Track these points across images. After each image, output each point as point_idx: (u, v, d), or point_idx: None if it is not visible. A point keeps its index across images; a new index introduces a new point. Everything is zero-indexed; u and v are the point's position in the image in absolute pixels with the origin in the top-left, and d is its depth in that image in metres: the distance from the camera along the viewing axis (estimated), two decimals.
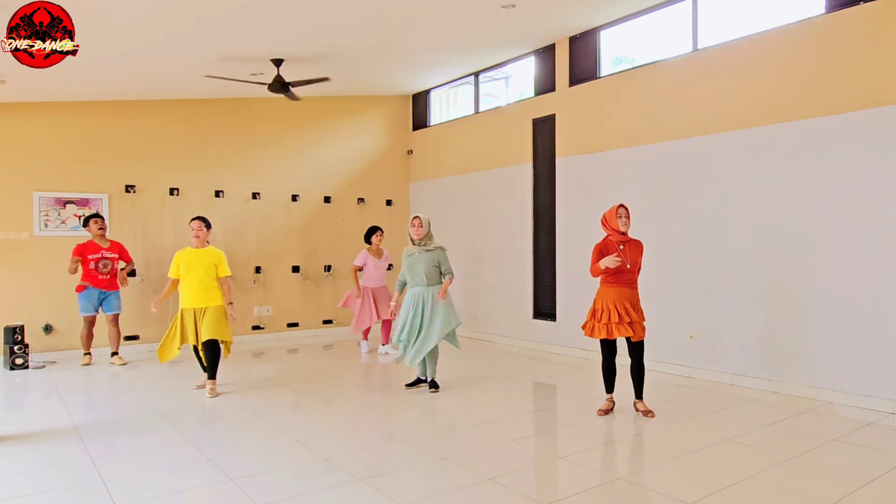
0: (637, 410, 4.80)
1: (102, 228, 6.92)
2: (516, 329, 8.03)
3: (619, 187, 6.70)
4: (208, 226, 5.57)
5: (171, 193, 8.04)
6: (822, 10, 5.22)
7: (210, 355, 5.42)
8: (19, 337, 6.72)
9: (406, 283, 5.58)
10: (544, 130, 7.67)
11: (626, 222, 4.61)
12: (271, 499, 3.23)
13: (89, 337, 6.98)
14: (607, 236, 4.70)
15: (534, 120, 7.79)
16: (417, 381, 5.67)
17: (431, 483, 3.50)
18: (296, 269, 8.94)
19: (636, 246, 4.74)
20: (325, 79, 7.22)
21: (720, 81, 5.86)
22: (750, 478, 3.48)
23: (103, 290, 6.86)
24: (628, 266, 4.58)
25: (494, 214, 8.37)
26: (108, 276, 6.88)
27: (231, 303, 5.56)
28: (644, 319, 4.74)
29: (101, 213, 7.16)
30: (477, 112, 8.78)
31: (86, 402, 5.43)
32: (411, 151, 9.98)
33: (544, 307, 7.70)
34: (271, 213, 8.78)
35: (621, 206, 4.65)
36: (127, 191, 7.77)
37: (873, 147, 4.87)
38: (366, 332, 7.62)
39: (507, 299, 8.17)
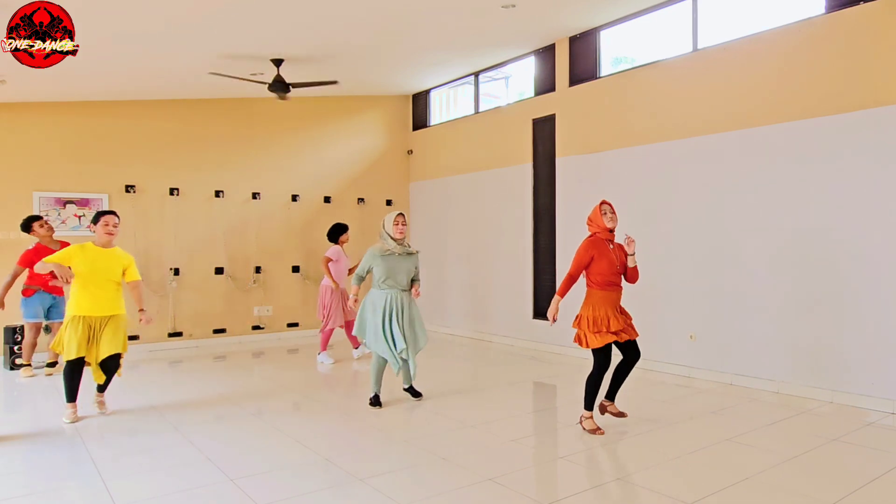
0: (606, 413, 4.57)
1: (50, 231, 6.43)
2: (516, 329, 8.03)
3: (619, 187, 6.70)
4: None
5: (171, 193, 8.04)
6: (822, 10, 5.22)
7: (112, 368, 4.78)
8: (19, 337, 6.71)
9: (363, 279, 5.08)
10: (544, 130, 7.68)
11: (612, 217, 4.34)
12: (271, 499, 3.23)
13: (33, 346, 6.44)
14: (595, 234, 4.39)
15: (534, 120, 7.79)
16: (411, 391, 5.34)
17: (431, 483, 3.50)
18: (296, 269, 8.94)
19: (621, 248, 4.44)
20: (333, 82, 7.22)
21: (720, 81, 5.87)
22: (750, 478, 3.48)
23: (56, 295, 6.46)
24: (618, 267, 4.33)
25: (494, 214, 8.37)
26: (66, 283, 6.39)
27: (142, 309, 4.88)
28: (631, 318, 4.48)
29: (40, 215, 6.60)
30: (477, 112, 8.78)
31: (86, 403, 5.41)
32: (411, 151, 9.98)
33: (544, 307, 7.69)
34: (271, 213, 8.78)
35: (604, 202, 4.38)
36: (127, 191, 7.77)
37: (873, 147, 4.87)
38: (326, 338, 7.00)
39: (507, 299, 8.17)
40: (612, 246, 4.37)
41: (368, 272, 5.09)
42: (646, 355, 6.45)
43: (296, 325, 8.94)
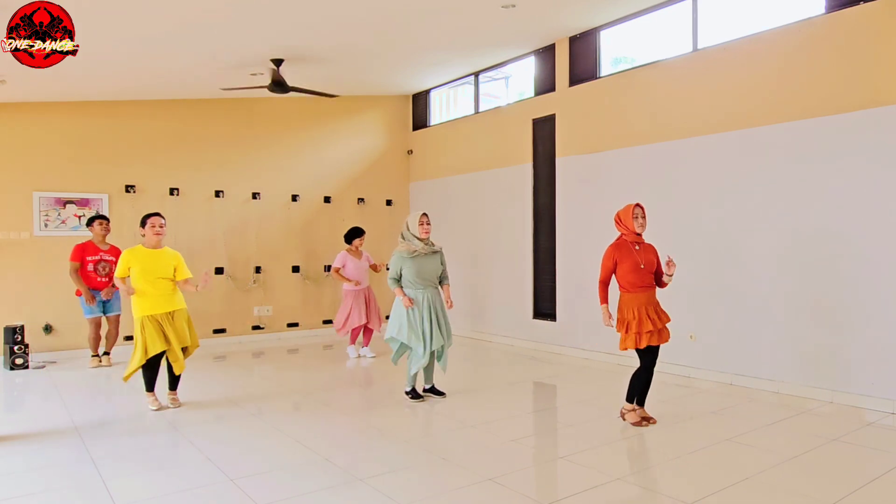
0: (624, 419, 4.61)
1: (107, 231, 6.86)
2: (516, 329, 8.03)
3: (619, 187, 6.71)
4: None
5: (171, 193, 8.04)
6: (822, 11, 5.22)
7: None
8: (19, 337, 6.72)
9: (399, 281, 5.17)
10: (544, 130, 7.67)
11: (642, 223, 4.39)
12: (271, 499, 3.23)
13: (97, 339, 6.84)
14: (621, 236, 4.46)
15: (534, 120, 7.79)
16: (433, 390, 5.42)
17: (431, 483, 3.50)
18: (296, 269, 8.94)
19: (650, 248, 4.51)
20: (333, 95, 7.30)
21: (720, 81, 5.86)
22: (750, 478, 3.48)
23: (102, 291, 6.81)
24: (642, 266, 4.35)
25: (494, 214, 8.36)
26: (107, 279, 6.81)
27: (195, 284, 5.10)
28: (669, 320, 4.50)
29: (105, 215, 7.08)
30: (477, 112, 8.78)
31: (86, 402, 5.42)
32: (411, 151, 9.98)
33: (544, 307, 7.70)
34: (271, 213, 8.78)
35: (638, 205, 4.41)
36: (127, 191, 7.77)
37: (873, 147, 4.87)
38: (354, 334, 7.31)
39: (507, 299, 8.17)
40: (638, 248, 4.41)
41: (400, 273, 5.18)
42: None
43: (296, 325, 8.94)
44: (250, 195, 8.63)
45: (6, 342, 6.71)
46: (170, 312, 4.93)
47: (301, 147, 9.07)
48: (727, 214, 5.78)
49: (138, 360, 4.84)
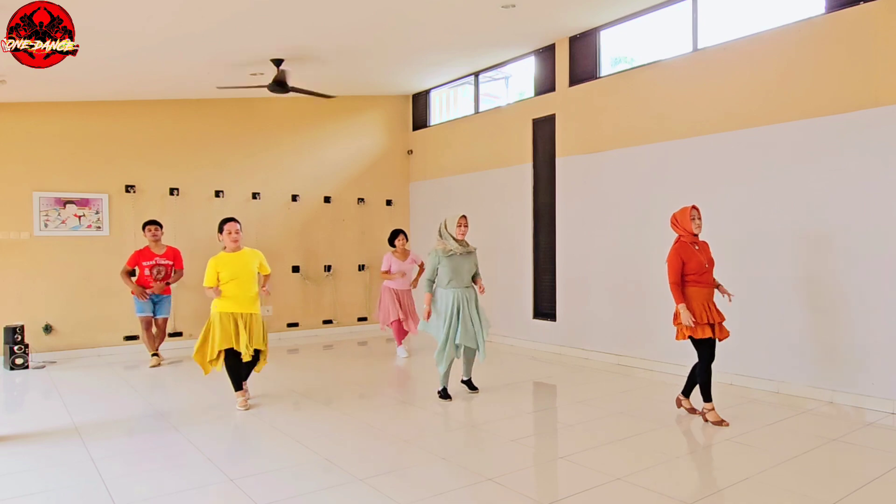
0: (681, 407, 4.81)
1: (156, 236, 6.96)
2: (516, 329, 8.03)
3: (619, 187, 6.71)
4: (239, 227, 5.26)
5: (171, 193, 8.04)
6: (822, 10, 5.22)
7: (253, 364, 5.17)
8: (19, 337, 6.72)
9: (434, 282, 5.25)
10: (544, 130, 7.67)
11: (699, 224, 4.55)
12: (271, 499, 3.23)
13: (150, 338, 6.97)
14: (680, 238, 4.59)
15: (534, 120, 7.79)
16: (469, 384, 5.51)
17: (431, 483, 3.50)
18: (296, 269, 8.94)
19: (706, 246, 4.68)
20: (330, 96, 7.33)
21: (720, 81, 5.86)
22: (750, 478, 3.48)
23: (157, 294, 6.92)
24: (706, 265, 4.53)
25: (494, 214, 8.36)
26: (162, 282, 6.94)
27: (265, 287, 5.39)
28: (724, 319, 4.62)
29: (157, 220, 7.14)
30: (477, 112, 8.78)
31: (86, 402, 5.42)
32: (411, 151, 9.98)
33: (544, 307, 7.70)
34: (271, 213, 8.78)
35: (694, 207, 4.57)
36: (127, 191, 7.77)
37: (873, 147, 4.87)
38: (398, 332, 7.27)
39: (507, 299, 8.17)
40: (696, 247, 4.57)
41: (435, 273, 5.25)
42: (646, 355, 6.47)
43: (296, 325, 8.94)
44: (250, 195, 8.63)
45: (6, 342, 6.71)
46: (250, 314, 5.06)
47: (301, 147, 9.07)
48: (726, 215, 5.77)
49: (208, 353, 4.98)
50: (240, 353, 4.97)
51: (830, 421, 4.61)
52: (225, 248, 5.15)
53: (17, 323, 6.87)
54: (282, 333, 8.79)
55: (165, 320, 7.10)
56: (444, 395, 5.29)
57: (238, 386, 5.11)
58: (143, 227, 7.02)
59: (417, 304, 7.25)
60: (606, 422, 4.63)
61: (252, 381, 6.31)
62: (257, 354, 5.16)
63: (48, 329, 7.31)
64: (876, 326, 4.84)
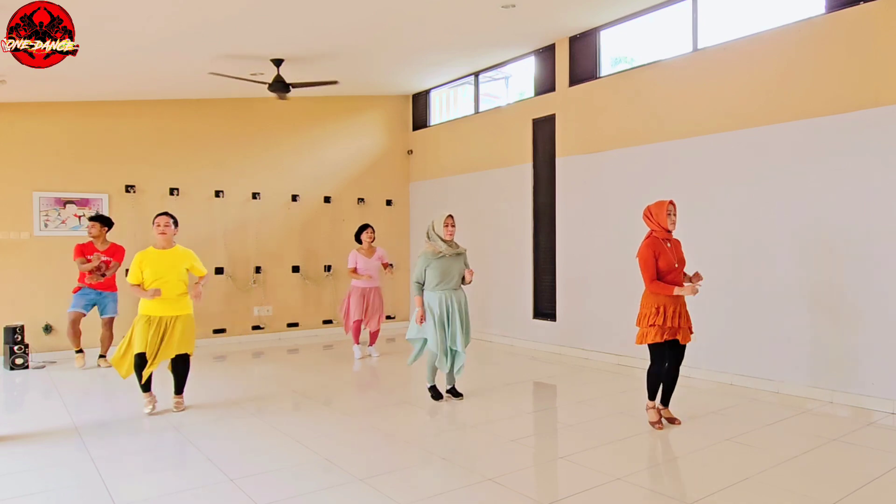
0: (663, 418, 4.58)
1: (95, 232, 6.67)
2: (516, 329, 8.03)
3: (619, 187, 6.71)
4: (175, 223, 4.95)
5: (171, 193, 8.04)
6: (822, 10, 5.22)
7: (182, 370, 4.98)
8: (19, 337, 6.72)
9: (422, 285, 5.17)
10: (544, 130, 7.67)
11: (674, 221, 4.34)
12: (271, 499, 3.23)
13: (75, 334, 6.66)
14: (652, 233, 4.40)
15: (534, 120, 7.79)
16: (453, 391, 5.39)
17: (431, 483, 3.50)
18: (296, 269, 8.94)
19: (678, 244, 4.50)
20: (334, 82, 7.25)
21: (720, 81, 5.86)
22: (750, 478, 3.47)
23: (99, 290, 6.71)
24: (676, 265, 4.35)
25: (494, 214, 8.36)
26: (101, 277, 6.72)
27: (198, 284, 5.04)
28: (690, 326, 4.50)
29: (102, 215, 6.92)
30: (477, 112, 8.78)
31: (86, 402, 5.42)
32: (411, 151, 9.98)
33: (544, 307, 7.70)
34: (271, 213, 8.78)
35: (671, 202, 4.36)
36: (127, 191, 7.77)
37: (873, 147, 4.87)
38: (356, 332, 7.18)
39: (507, 299, 8.17)
40: (668, 244, 4.38)
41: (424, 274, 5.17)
42: (646, 355, 6.46)
43: (296, 325, 8.94)
44: (250, 195, 8.63)
45: (6, 342, 6.71)
46: (173, 317, 4.80)
47: (301, 147, 9.07)
48: (726, 215, 5.78)
49: (122, 354, 4.80)
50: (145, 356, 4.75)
51: (830, 421, 4.61)
52: (154, 243, 4.89)
53: (17, 323, 6.86)
54: (282, 333, 8.79)
55: (111, 320, 6.79)
56: (435, 394, 5.25)
57: (146, 387, 4.86)
58: (89, 222, 6.74)
59: (386, 301, 7.27)
60: (606, 422, 4.62)
61: (252, 381, 6.31)
62: (186, 358, 4.93)
63: (48, 329, 7.31)
64: (876, 326, 4.84)
